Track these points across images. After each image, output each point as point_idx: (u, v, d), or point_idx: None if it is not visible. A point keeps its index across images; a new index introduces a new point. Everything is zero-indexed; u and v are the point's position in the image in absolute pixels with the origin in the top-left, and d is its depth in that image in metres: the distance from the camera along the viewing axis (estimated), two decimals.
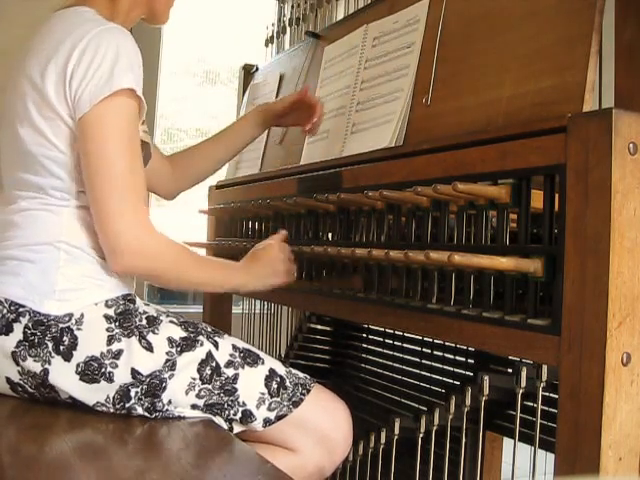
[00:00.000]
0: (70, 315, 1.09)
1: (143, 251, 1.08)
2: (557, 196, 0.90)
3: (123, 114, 1.08)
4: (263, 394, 1.14)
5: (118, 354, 1.08)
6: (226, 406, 1.13)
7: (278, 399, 1.15)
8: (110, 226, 1.06)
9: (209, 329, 1.18)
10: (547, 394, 1.10)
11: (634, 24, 0.99)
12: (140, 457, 0.97)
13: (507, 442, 1.44)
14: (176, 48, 3.09)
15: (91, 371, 1.07)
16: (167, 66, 3.05)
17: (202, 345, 1.13)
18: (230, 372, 1.14)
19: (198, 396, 1.12)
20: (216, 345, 1.15)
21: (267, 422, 1.14)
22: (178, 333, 1.13)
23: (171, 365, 1.10)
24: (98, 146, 1.07)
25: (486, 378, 1.07)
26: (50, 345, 1.07)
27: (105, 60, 1.06)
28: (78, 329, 1.08)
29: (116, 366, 1.08)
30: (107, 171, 1.06)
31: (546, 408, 1.11)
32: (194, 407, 1.12)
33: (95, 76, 1.06)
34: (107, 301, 1.12)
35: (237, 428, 1.15)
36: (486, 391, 1.07)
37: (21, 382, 1.10)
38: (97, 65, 1.06)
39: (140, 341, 1.10)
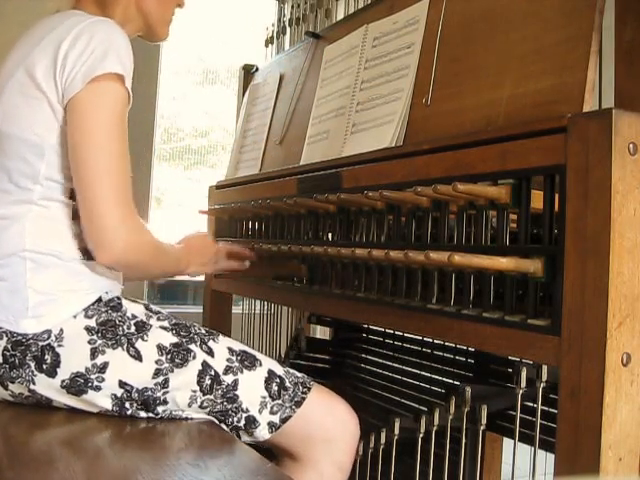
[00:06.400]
0: (49, 332, 1.05)
1: (131, 247, 1.06)
2: (557, 196, 0.90)
3: (117, 95, 1.07)
4: (264, 398, 1.12)
5: (104, 367, 1.05)
6: (230, 413, 1.11)
7: (280, 401, 1.12)
8: (101, 219, 1.04)
9: (202, 331, 1.15)
10: (547, 394, 1.10)
11: (634, 24, 0.98)
12: (140, 457, 0.96)
13: (507, 442, 1.44)
14: (176, 48, 3.09)
15: (77, 386, 1.05)
16: (167, 66, 3.06)
17: (195, 358, 1.10)
18: (229, 379, 1.11)
19: (201, 407, 1.11)
20: (211, 352, 1.12)
21: (272, 426, 1.12)
22: (168, 339, 1.10)
23: (163, 382, 1.07)
24: (89, 123, 1.05)
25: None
26: (32, 365, 1.04)
27: (98, 46, 1.06)
28: (59, 345, 1.05)
29: (103, 380, 1.05)
30: (97, 152, 1.04)
31: (546, 408, 1.11)
32: (199, 412, 1.11)
33: (89, 60, 1.05)
34: (86, 311, 1.08)
35: (244, 438, 1.13)
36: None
37: (18, 402, 1.09)
38: (91, 50, 1.05)
39: (128, 350, 1.07)
